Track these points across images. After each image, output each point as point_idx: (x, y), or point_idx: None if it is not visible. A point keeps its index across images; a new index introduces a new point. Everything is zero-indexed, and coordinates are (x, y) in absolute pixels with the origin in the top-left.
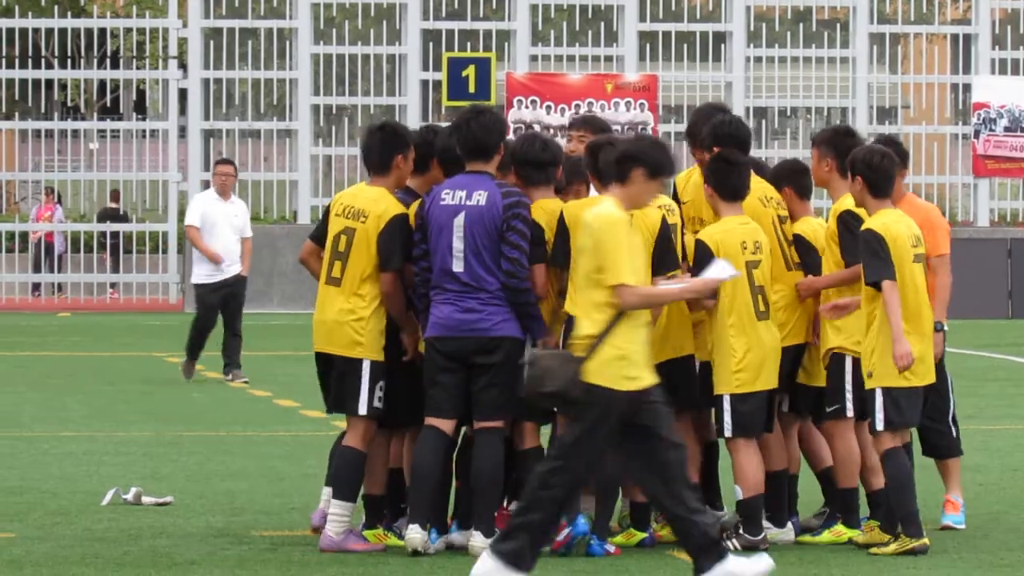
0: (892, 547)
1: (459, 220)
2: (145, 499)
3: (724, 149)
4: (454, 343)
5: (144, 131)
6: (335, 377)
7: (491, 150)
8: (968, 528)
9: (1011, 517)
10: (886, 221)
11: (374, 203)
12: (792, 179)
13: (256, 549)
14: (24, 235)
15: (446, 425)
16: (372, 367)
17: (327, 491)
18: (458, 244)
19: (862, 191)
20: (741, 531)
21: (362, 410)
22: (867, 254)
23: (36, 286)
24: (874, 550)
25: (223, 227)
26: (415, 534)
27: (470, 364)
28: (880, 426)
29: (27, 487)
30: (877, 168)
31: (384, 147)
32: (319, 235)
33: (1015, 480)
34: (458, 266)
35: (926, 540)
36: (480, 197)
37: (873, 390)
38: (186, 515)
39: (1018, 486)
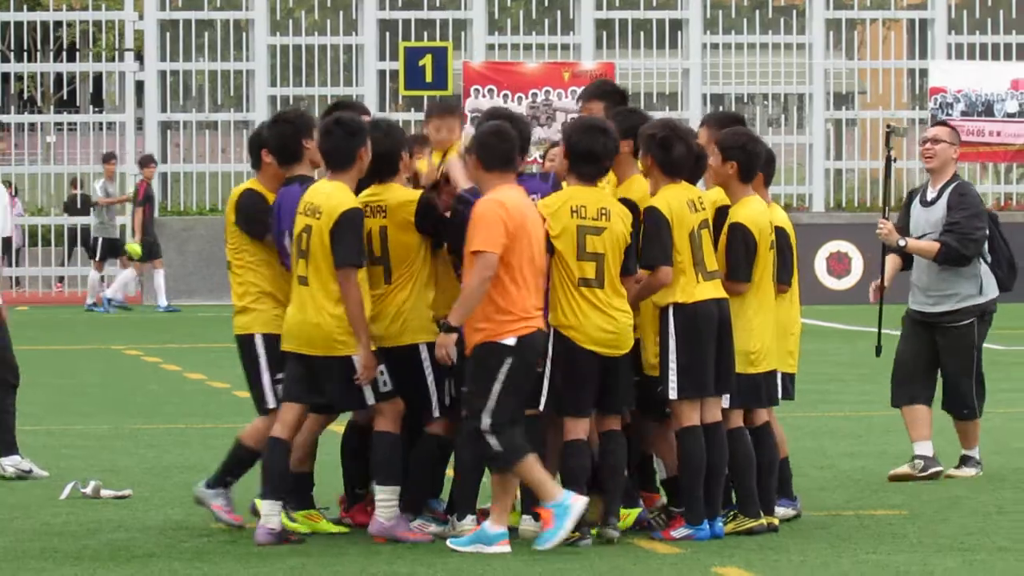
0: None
1: None
2: (104, 492)
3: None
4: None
5: (101, 123)
6: (328, 378)
7: None
8: (928, 512)
9: (970, 501)
10: (751, 213)
11: (327, 198)
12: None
13: (215, 541)
14: None
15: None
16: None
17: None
18: None
19: (734, 176)
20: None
21: (371, 400)
22: (740, 252)
23: None
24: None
25: None
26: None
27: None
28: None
29: None
30: (751, 153)
31: (347, 141)
32: None
33: None
34: None
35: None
36: None
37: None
38: (145, 508)
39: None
